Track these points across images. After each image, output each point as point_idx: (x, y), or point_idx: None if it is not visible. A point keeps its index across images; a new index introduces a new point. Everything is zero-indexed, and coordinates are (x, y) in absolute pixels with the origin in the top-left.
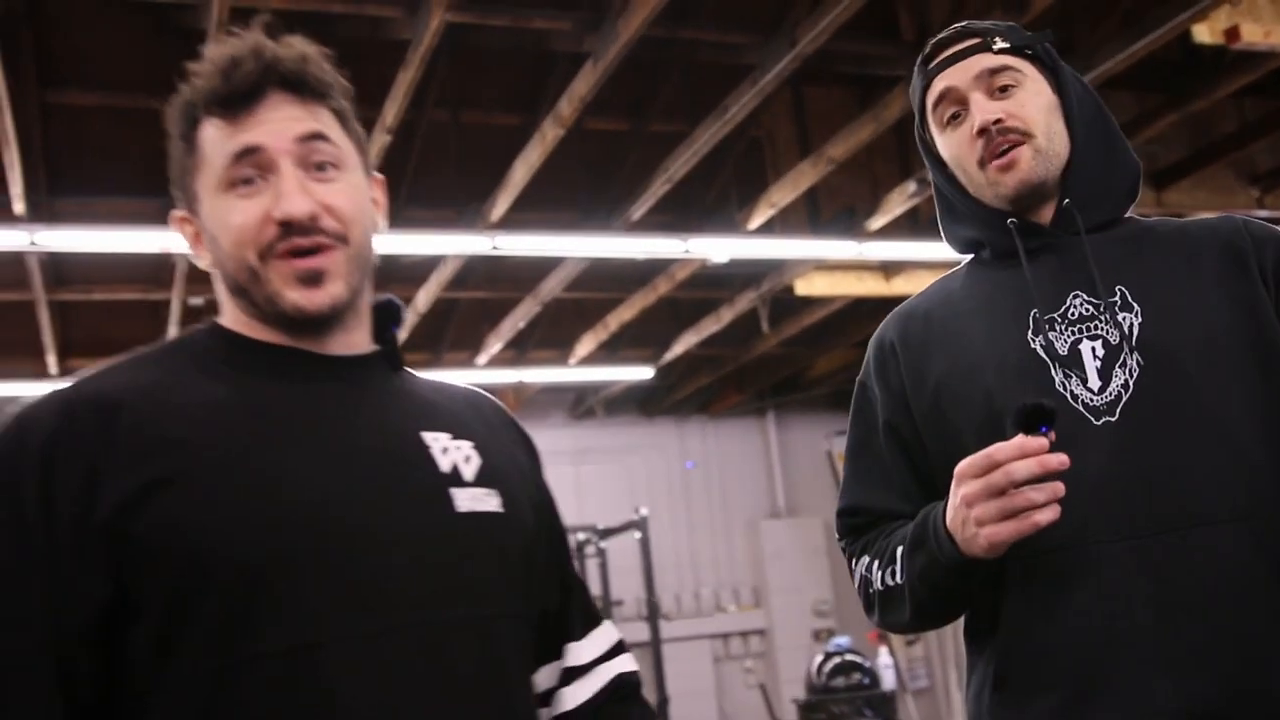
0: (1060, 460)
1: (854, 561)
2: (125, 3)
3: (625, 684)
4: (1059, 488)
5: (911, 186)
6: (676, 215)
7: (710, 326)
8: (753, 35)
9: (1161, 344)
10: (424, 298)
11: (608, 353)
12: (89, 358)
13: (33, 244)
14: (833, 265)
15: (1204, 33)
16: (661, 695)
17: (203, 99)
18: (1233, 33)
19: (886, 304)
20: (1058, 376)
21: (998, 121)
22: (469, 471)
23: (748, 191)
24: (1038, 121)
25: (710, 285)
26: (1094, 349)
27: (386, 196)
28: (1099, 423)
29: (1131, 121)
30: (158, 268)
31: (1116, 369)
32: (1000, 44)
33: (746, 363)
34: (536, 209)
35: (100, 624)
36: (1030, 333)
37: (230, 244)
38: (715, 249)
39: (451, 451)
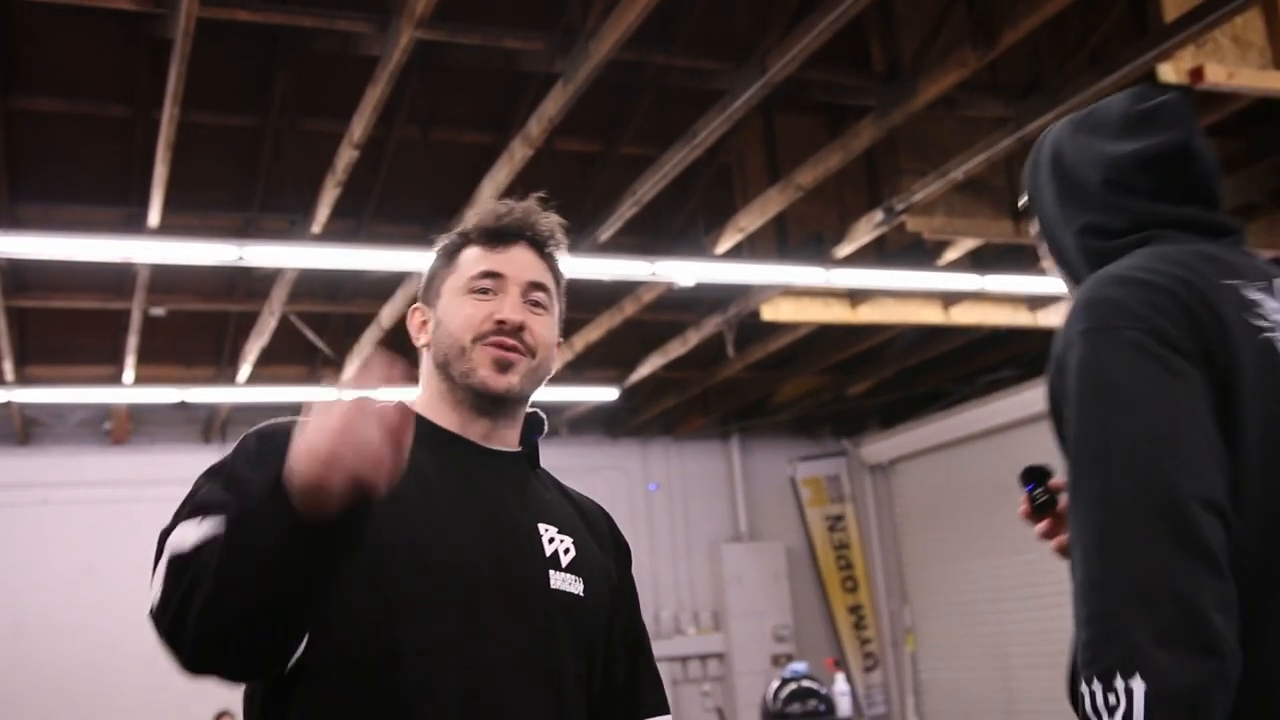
0: None
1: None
2: (93, 10)
3: None
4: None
5: (879, 215)
6: (644, 238)
7: (676, 349)
8: (724, 61)
9: None
10: (389, 313)
11: (573, 373)
12: (47, 365)
13: None
14: (799, 292)
15: (1169, 73)
16: None
17: (474, 230)
18: (1197, 73)
19: (852, 331)
20: None
21: None
22: (565, 560)
23: (716, 216)
24: None
25: (677, 308)
26: None
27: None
28: None
29: None
30: (119, 277)
31: None
32: None
33: (712, 386)
34: None
35: None
36: None
37: (456, 326)
38: (682, 272)
39: (556, 542)
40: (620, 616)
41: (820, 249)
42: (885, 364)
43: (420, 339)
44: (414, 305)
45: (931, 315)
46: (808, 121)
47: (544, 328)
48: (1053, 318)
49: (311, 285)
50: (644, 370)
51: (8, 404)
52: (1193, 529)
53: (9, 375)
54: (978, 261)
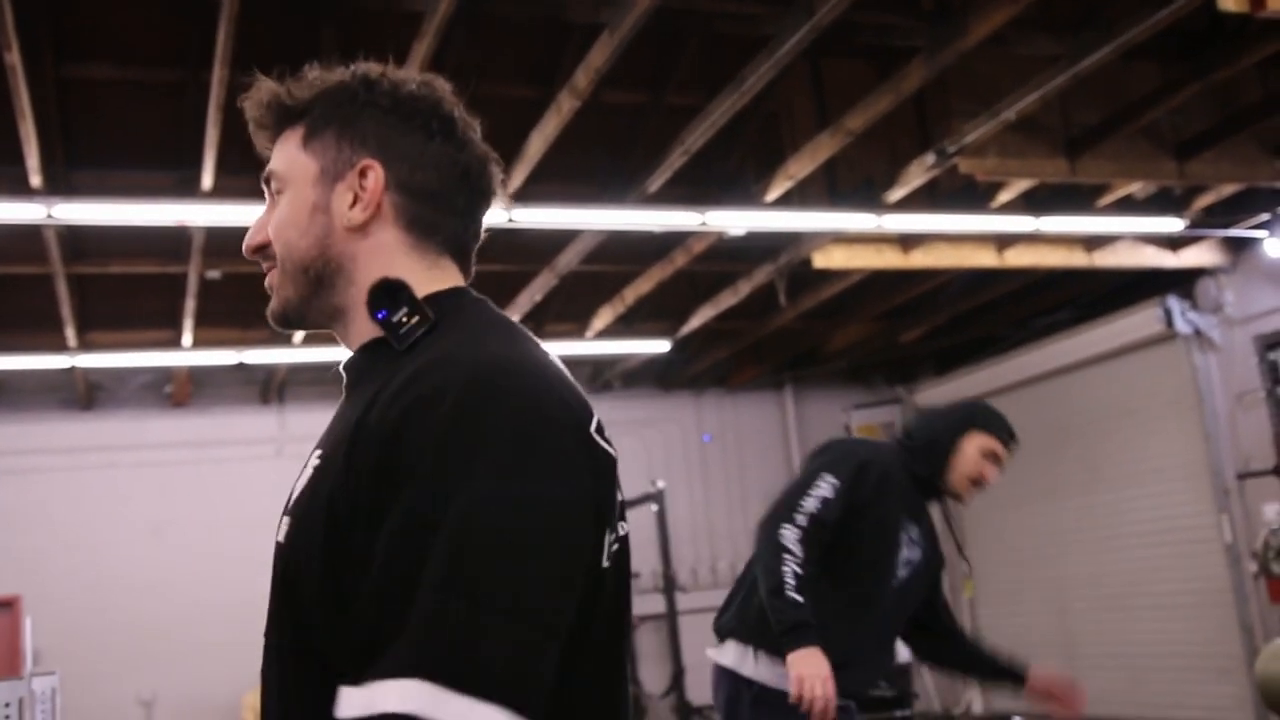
0: None
1: None
2: None
3: None
4: None
5: (930, 158)
6: (694, 188)
7: (728, 300)
8: (770, 6)
9: None
10: None
11: (625, 326)
12: (107, 331)
13: (50, 217)
14: (851, 238)
15: (1229, 1)
16: (677, 666)
17: None
18: (1258, 1)
19: (905, 277)
20: None
21: None
22: (294, 496)
23: (765, 164)
24: None
25: (728, 258)
26: None
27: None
28: None
29: (1155, 92)
30: (175, 241)
31: None
32: None
33: (764, 336)
34: (553, 181)
35: None
36: None
37: None
38: (732, 222)
39: (306, 472)
40: (338, 531)
41: (871, 194)
42: (939, 309)
43: None
44: None
45: (985, 259)
46: (856, 65)
47: (275, 218)
48: (1110, 258)
49: None
50: (695, 321)
51: (71, 369)
52: None
53: (71, 341)
54: (1032, 203)
